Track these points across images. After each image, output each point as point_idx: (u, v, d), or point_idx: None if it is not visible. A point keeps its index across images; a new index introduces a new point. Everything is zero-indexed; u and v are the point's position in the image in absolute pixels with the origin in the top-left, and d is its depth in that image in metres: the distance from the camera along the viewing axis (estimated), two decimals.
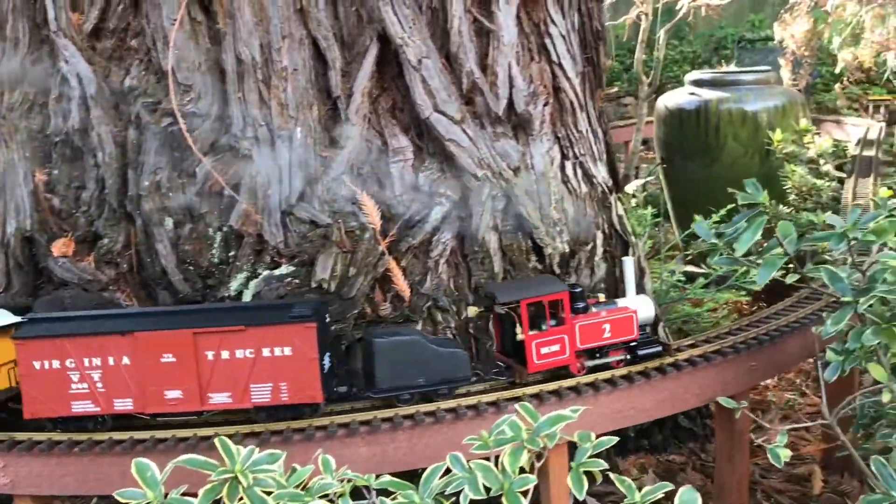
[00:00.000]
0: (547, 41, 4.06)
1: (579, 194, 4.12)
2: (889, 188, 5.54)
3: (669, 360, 3.32)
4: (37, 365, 2.96)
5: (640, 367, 3.22)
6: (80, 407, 2.97)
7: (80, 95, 3.81)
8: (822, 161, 7.94)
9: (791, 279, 2.90)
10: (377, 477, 1.98)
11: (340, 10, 3.73)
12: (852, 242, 2.65)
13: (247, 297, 3.60)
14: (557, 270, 3.90)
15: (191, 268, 3.71)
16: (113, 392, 2.97)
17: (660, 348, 3.40)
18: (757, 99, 7.00)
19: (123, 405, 2.99)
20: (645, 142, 9.80)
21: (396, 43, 3.64)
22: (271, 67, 3.65)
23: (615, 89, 15.89)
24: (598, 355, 3.30)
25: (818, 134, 8.97)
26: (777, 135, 6.58)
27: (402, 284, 3.61)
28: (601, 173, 4.33)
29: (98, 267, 3.78)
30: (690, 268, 6.61)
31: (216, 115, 3.74)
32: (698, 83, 7.39)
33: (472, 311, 3.60)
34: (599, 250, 4.09)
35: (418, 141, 3.81)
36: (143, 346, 2.97)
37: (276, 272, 3.59)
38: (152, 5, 3.74)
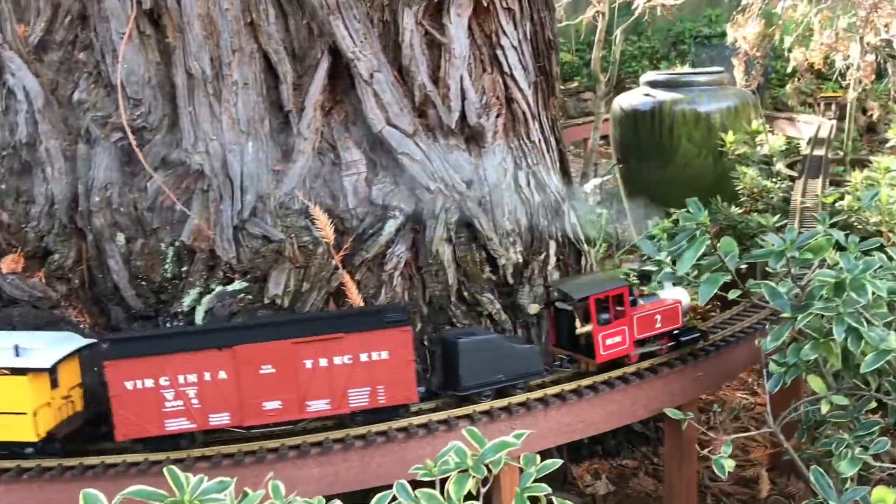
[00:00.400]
0: (499, 52, 4.10)
1: (532, 204, 4.16)
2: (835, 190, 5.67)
3: (629, 370, 3.41)
4: (129, 385, 2.91)
5: (588, 381, 3.28)
6: (175, 425, 2.94)
7: (27, 109, 3.75)
8: (774, 160, 8.10)
9: (733, 295, 2.97)
10: (328, 500, 2.00)
11: (291, 24, 3.72)
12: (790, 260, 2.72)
13: (199, 312, 3.59)
14: (511, 280, 3.94)
15: (143, 283, 3.69)
16: (209, 407, 2.96)
17: (699, 334, 3.65)
18: (710, 100, 7.12)
19: (219, 420, 2.98)
20: (604, 138, 9.90)
21: (348, 57, 3.64)
22: (222, 82, 3.63)
23: (575, 84, 16.02)
24: (646, 344, 3.55)
25: (771, 131, 9.15)
26: (729, 136, 6.70)
27: (356, 298, 3.62)
28: (554, 182, 4.38)
29: (49, 283, 3.74)
30: (649, 266, 6.71)
31: (167, 129, 3.73)
32: (653, 84, 7.48)
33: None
34: (552, 259, 4.14)
35: (371, 154, 3.82)
36: (242, 360, 2.97)
37: (229, 288, 3.58)
38: (100, 18, 3.70)
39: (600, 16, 8.95)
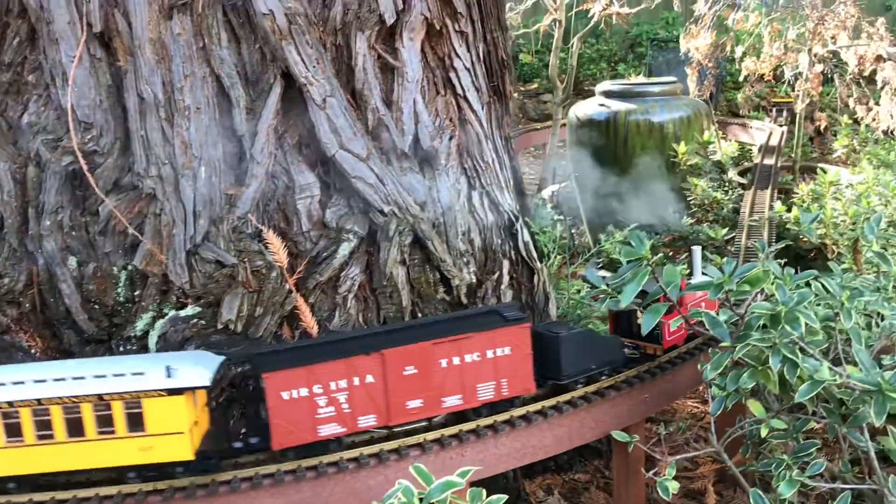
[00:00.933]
0: (452, 75, 4.14)
1: (486, 224, 4.22)
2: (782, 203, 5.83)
3: (566, 396, 3.49)
4: (285, 395, 3.00)
5: (537, 406, 3.35)
6: (327, 430, 3.06)
7: None
8: (726, 167, 8.27)
9: (676, 323, 3.06)
10: None
11: (244, 48, 3.73)
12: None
13: (153, 337, 3.58)
14: (465, 301, 4.00)
15: (96, 307, 3.67)
16: (358, 411, 3.10)
17: None
18: (663, 110, 7.25)
19: (367, 422, 3.12)
20: (563, 141, 10.03)
21: (300, 82, 3.66)
22: (174, 106, 3.62)
23: (535, 85, 16.15)
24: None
25: (725, 137, 9.32)
26: (681, 147, 6.83)
27: (309, 322, 3.65)
28: (507, 200, 4.44)
29: None
30: (603, 272, 6.82)
31: (119, 153, 3.71)
32: (608, 94, 7.59)
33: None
34: (506, 279, 4.20)
35: (325, 176, 3.84)
36: (389, 362, 3.12)
37: (182, 313, 3.58)
38: (49, 41, 3.66)
39: (557, 23, 9.04)
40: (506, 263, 4.22)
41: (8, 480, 2.96)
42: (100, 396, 2.92)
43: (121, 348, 3.69)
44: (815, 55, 7.22)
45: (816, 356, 2.76)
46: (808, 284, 2.94)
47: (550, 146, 9.37)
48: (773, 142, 8.29)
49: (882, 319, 3.04)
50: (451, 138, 4.08)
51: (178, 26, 3.59)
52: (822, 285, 2.89)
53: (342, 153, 3.73)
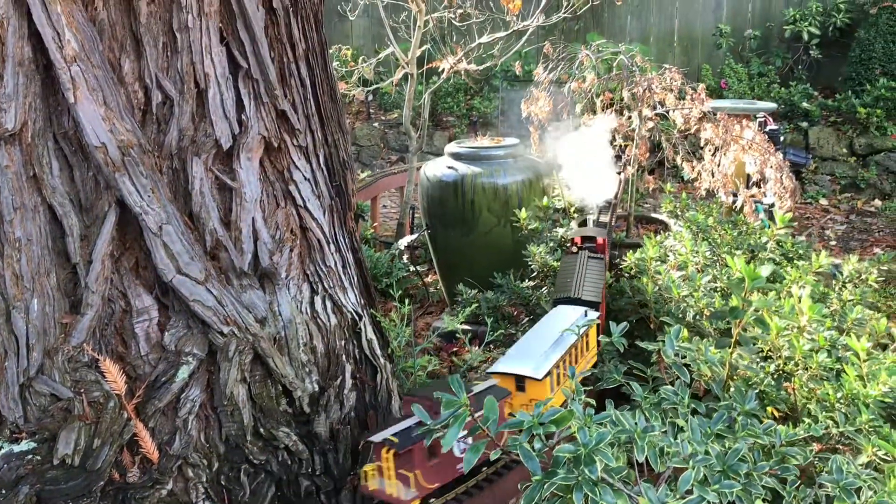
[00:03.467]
0: (292, 187, 4.28)
1: (329, 328, 4.38)
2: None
3: None
4: None
5: None
6: None
7: None
8: (570, 213, 8.75)
9: (495, 455, 3.32)
10: None
11: (77, 175, 3.73)
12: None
13: None
14: (307, 410, 4.15)
15: None
16: None
17: None
18: (506, 174, 7.62)
19: None
20: (418, 185, 10.30)
21: (136, 211, 3.70)
22: (4, 237, 3.59)
23: (395, 115, 16.40)
24: None
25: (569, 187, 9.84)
26: (522, 213, 7.19)
27: (149, 447, 3.70)
28: (351, 300, 4.62)
29: None
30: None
31: None
32: (456, 156, 7.90)
33: None
34: (349, 383, 4.38)
35: (163, 298, 3.90)
36: None
37: (17, 448, 3.56)
38: None
39: (410, 77, 9.29)
40: (349, 367, 4.39)
41: None
42: None
43: None
44: (645, 118, 7.76)
45: (617, 485, 3.08)
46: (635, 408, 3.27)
47: (407, 193, 9.60)
48: (611, 193, 8.78)
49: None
50: (291, 250, 4.22)
51: (5, 158, 3.56)
52: (629, 417, 3.22)
53: (179, 278, 3.80)
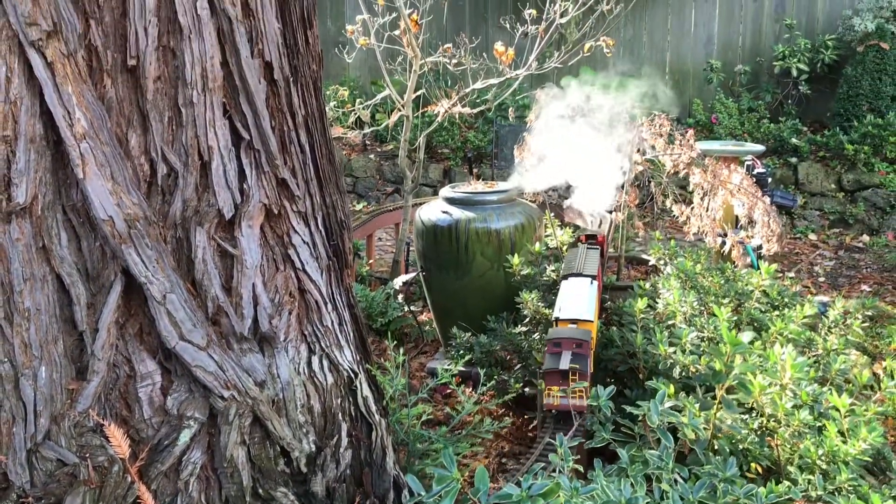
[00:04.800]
0: (291, 251, 4.43)
1: (326, 388, 4.51)
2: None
3: None
4: None
5: None
6: None
7: None
8: (562, 253, 8.91)
9: None
10: None
11: (84, 245, 3.88)
12: None
13: None
14: (304, 469, 4.27)
15: None
16: None
17: None
18: (499, 218, 7.79)
19: None
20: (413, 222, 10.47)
21: (140, 281, 3.85)
22: (14, 307, 3.73)
23: (391, 147, 16.60)
24: None
25: (561, 225, 10.02)
26: (515, 259, 7.34)
27: None
28: (347, 358, 4.75)
29: None
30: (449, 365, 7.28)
31: None
32: (450, 201, 8.07)
33: None
34: (344, 441, 4.51)
35: (166, 363, 4.03)
36: None
37: None
38: None
39: (405, 119, 9.48)
40: (344, 426, 4.52)
41: None
42: None
43: None
44: (634, 163, 7.93)
45: None
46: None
47: (402, 230, 9.78)
48: (603, 231, 8.93)
49: None
50: (290, 313, 4.36)
51: (16, 231, 3.71)
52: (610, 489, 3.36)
53: (182, 344, 3.94)
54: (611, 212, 9.82)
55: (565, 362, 4.46)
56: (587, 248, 6.93)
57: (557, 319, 5.09)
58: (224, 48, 4.05)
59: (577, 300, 5.35)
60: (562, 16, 8.42)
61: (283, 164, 4.33)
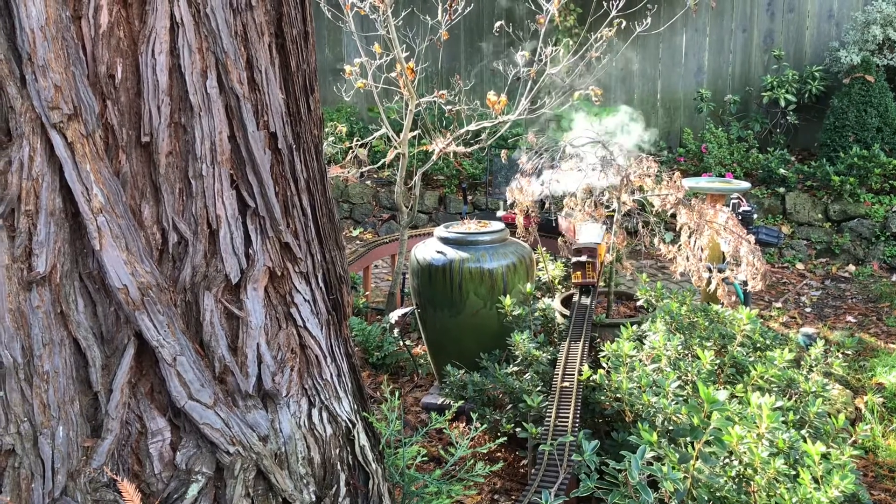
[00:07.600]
0: (293, 310, 4.68)
1: (325, 439, 4.76)
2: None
3: None
4: None
5: None
6: None
7: None
8: (554, 287, 9.17)
9: None
10: None
11: (99, 311, 4.13)
12: None
13: None
14: None
15: None
16: None
17: None
18: (492, 258, 8.05)
19: None
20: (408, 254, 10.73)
21: (153, 345, 4.09)
22: (33, 369, 3.97)
23: (387, 173, 16.86)
24: None
25: (553, 258, 10.26)
26: (507, 300, 7.59)
27: None
28: (345, 408, 5.00)
29: None
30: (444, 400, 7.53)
31: None
32: (444, 241, 8.33)
33: None
34: (343, 490, 4.75)
35: (175, 420, 4.27)
36: None
37: None
38: None
39: (401, 157, 9.75)
40: (342, 475, 4.77)
41: None
42: None
43: None
44: (624, 203, 8.19)
45: None
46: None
47: (398, 264, 10.04)
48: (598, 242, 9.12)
49: None
50: (292, 369, 4.61)
51: (37, 299, 3.95)
52: None
53: (191, 403, 4.18)
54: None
55: (584, 258, 7.27)
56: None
57: (578, 244, 7.53)
58: (232, 123, 4.31)
59: (589, 234, 7.73)
60: (552, 61, 8.71)
61: (287, 227, 4.59)
